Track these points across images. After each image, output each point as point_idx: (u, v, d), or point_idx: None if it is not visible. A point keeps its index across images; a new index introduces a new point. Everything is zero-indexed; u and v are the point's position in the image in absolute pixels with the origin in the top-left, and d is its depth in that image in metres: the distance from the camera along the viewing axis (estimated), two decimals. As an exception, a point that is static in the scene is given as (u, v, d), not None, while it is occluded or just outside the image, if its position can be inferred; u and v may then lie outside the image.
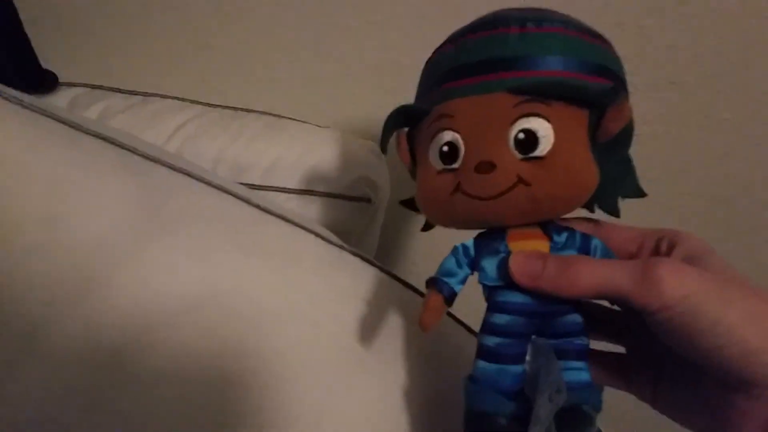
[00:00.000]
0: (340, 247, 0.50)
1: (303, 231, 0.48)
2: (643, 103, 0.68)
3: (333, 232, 0.52)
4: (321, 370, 0.40)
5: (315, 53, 0.76)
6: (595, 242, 0.35)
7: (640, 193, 0.38)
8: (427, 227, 0.42)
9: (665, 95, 0.68)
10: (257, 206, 0.47)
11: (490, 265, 0.35)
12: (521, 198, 0.33)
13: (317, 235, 0.49)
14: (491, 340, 0.35)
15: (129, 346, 0.37)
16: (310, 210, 0.61)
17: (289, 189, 0.62)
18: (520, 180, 0.33)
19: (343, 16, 0.73)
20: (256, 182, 0.62)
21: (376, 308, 0.46)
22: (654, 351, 0.36)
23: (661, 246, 0.36)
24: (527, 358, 0.34)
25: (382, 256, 0.82)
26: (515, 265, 0.33)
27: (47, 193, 0.37)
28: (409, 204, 0.41)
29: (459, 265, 0.36)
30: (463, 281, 0.36)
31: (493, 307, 0.35)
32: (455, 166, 0.34)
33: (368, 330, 0.44)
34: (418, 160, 0.38)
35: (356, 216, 0.64)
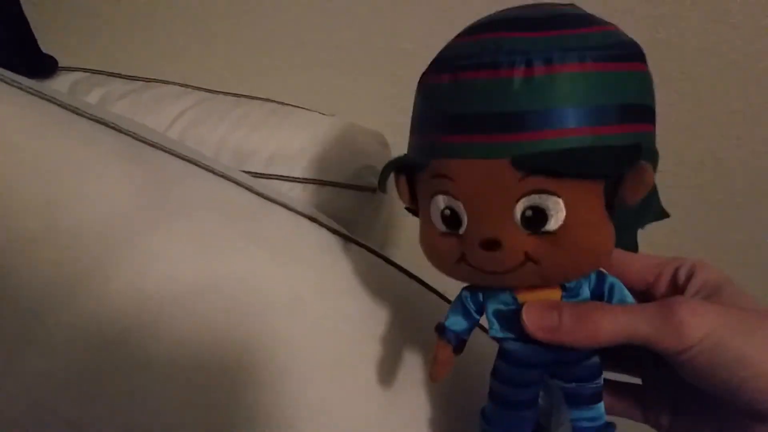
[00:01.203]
0: (345, 236, 0.49)
1: (306, 220, 0.48)
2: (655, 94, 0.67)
3: (337, 222, 0.52)
4: (323, 361, 0.40)
5: (320, 40, 0.76)
6: (610, 281, 0.33)
7: (662, 215, 0.35)
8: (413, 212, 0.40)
9: (676, 86, 0.67)
10: (260, 194, 0.47)
11: (499, 316, 0.34)
12: (530, 273, 0.31)
13: (321, 224, 0.48)
14: (501, 388, 0.34)
15: (129, 335, 0.36)
16: (314, 199, 0.61)
17: (292, 177, 0.61)
18: (528, 258, 0.30)
19: (348, 2, 0.72)
20: (259, 170, 0.61)
21: (381, 300, 0.45)
22: (670, 382, 0.36)
23: (679, 275, 0.35)
24: (541, 393, 0.34)
25: (388, 247, 0.82)
26: (529, 319, 0.32)
27: (46, 178, 0.37)
28: (415, 211, 0.39)
29: (467, 313, 0.35)
30: (472, 329, 0.35)
31: (503, 355, 0.34)
32: (459, 232, 0.32)
33: (372, 323, 0.44)
34: (420, 209, 0.35)
35: (361, 205, 0.63)
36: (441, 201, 0.32)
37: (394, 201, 0.73)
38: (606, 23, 0.32)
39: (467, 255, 0.32)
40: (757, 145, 0.70)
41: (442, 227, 0.33)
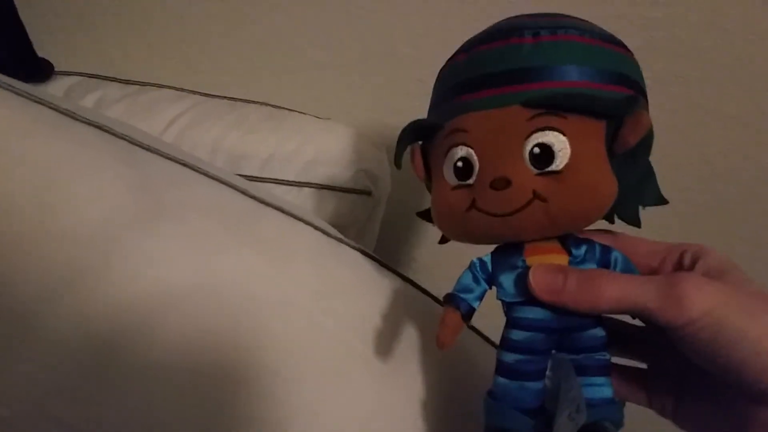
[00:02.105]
0: (339, 240, 0.49)
1: (301, 223, 0.48)
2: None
3: (332, 225, 0.52)
4: (318, 365, 0.40)
5: (315, 44, 0.76)
6: (615, 255, 0.35)
7: (662, 201, 0.37)
8: (443, 240, 0.41)
9: (670, 89, 0.68)
10: (255, 198, 0.47)
11: (508, 280, 0.35)
12: (538, 214, 0.32)
13: (316, 227, 0.48)
14: (510, 357, 0.34)
15: (123, 337, 0.36)
16: (309, 202, 0.61)
17: (287, 181, 0.61)
18: (536, 196, 0.32)
19: (344, 5, 0.72)
20: (255, 174, 0.61)
21: (374, 303, 0.45)
22: (675, 366, 0.36)
23: (684, 260, 0.36)
24: (548, 372, 0.34)
25: (382, 251, 0.82)
26: (535, 280, 0.33)
27: (39, 181, 0.37)
28: (426, 215, 0.40)
29: (476, 280, 0.35)
30: (481, 297, 0.36)
31: (512, 323, 0.35)
32: (470, 182, 0.34)
33: (365, 325, 0.44)
34: (432, 175, 0.37)
35: (356, 209, 0.63)
36: (454, 153, 0.34)
37: (388, 204, 0.73)
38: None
39: (477, 200, 0.33)
40: (750, 149, 0.70)
41: (453, 180, 0.35)
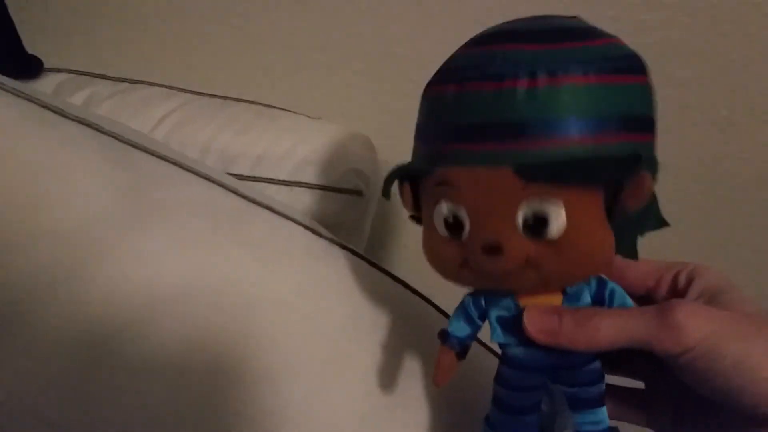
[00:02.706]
0: (330, 240, 0.49)
1: (292, 223, 0.47)
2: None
3: (323, 225, 0.52)
4: (309, 364, 0.40)
5: (307, 43, 0.75)
6: (611, 287, 0.34)
7: (662, 224, 0.34)
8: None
9: (662, 91, 0.67)
10: (245, 197, 0.47)
11: (501, 321, 0.34)
12: (530, 278, 0.31)
13: (306, 227, 0.48)
14: (504, 393, 0.34)
15: (112, 338, 0.36)
16: (300, 202, 0.61)
17: (278, 180, 0.61)
18: (529, 263, 0.31)
19: (337, 4, 0.72)
20: (245, 173, 0.61)
21: (366, 303, 0.45)
22: (673, 386, 0.36)
23: (680, 280, 0.36)
24: (544, 397, 0.34)
25: (373, 250, 0.82)
26: (530, 323, 0.32)
27: (28, 179, 0.37)
28: (419, 219, 0.38)
29: (469, 319, 0.35)
30: (475, 335, 0.36)
31: (506, 360, 0.35)
32: (462, 236, 0.32)
33: (357, 325, 0.44)
34: (423, 215, 0.36)
35: (347, 209, 0.63)
36: (444, 208, 0.32)
37: (380, 205, 0.73)
38: (609, 35, 0.32)
39: (469, 260, 0.32)
40: (745, 151, 0.70)
41: (444, 233, 0.33)
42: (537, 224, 0.30)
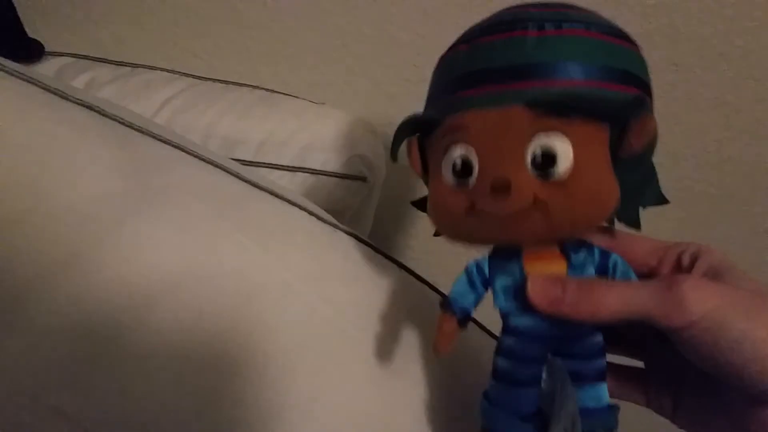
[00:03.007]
0: (334, 225, 0.49)
1: (295, 208, 0.47)
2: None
3: (327, 211, 0.51)
4: (313, 352, 0.40)
5: (311, 27, 0.75)
6: (614, 259, 0.34)
7: (662, 201, 0.36)
8: (438, 233, 0.39)
9: (667, 77, 0.67)
10: (248, 181, 0.46)
11: (505, 288, 0.34)
12: (537, 219, 0.31)
13: (310, 212, 0.48)
14: (505, 363, 0.34)
15: (114, 322, 0.36)
16: (304, 187, 0.61)
17: (282, 166, 0.61)
18: (537, 201, 0.31)
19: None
20: (248, 158, 0.61)
21: (369, 289, 0.45)
22: (673, 365, 0.36)
23: (683, 260, 0.35)
24: (544, 375, 0.33)
25: (377, 237, 0.82)
26: (534, 291, 0.32)
27: (30, 162, 0.36)
28: (421, 205, 0.39)
29: (472, 285, 0.35)
30: (477, 302, 0.35)
31: (508, 329, 0.34)
32: (469, 182, 0.33)
33: (360, 311, 0.43)
34: (430, 171, 0.36)
35: (351, 195, 0.63)
36: (453, 151, 0.33)
37: (383, 190, 0.73)
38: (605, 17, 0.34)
39: (477, 203, 0.32)
40: (748, 137, 0.70)
41: (452, 181, 0.33)
42: (545, 161, 0.31)
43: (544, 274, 0.33)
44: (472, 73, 0.33)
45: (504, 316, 0.35)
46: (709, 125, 0.70)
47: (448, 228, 0.35)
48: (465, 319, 0.35)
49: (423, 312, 0.45)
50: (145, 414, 0.36)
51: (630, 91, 0.32)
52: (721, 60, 0.66)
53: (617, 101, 0.31)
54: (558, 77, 0.31)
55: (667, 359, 0.36)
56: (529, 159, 0.31)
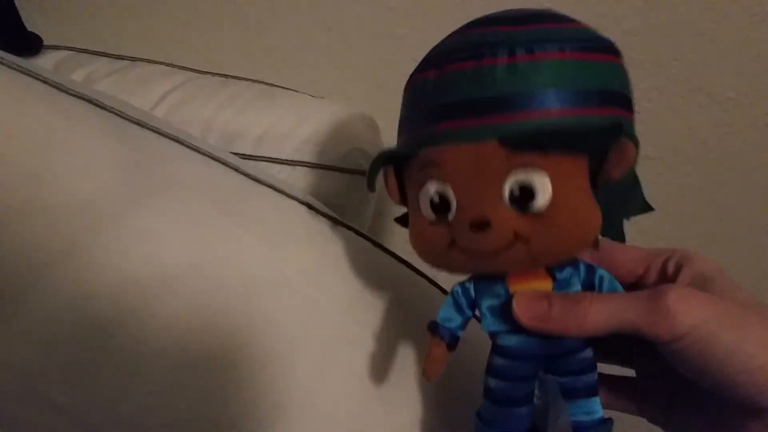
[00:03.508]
0: (333, 219, 0.49)
1: (295, 202, 0.47)
2: (646, 79, 0.67)
3: (326, 205, 0.51)
4: (312, 346, 0.40)
5: (310, 22, 0.75)
6: (600, 273, 0.34)
7: (647, 209, 0.35)
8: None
9: (668, 71, 0.67)
10: (247, 175, 0.46)
11: (491, 309, 0.34)
12: (519, 254, 0.31)
13: (309, 206, 0.48)
14: (496, 384, 0.34)
15: (115, 316, 0.36)
16: (303, 181, 0.60)
17: (281, 160, 0.61)
18: (518, 237, 0.31)
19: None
20: (247, 152, 0.61)
21: (369, 283, 0.45)
22: (664, 375, 0.36)
23: (669, 267, 0.35)
24: (536, 391, 0.33)
25: (377, 232, 0.82)
26: (520, 309, 0.32)
27: (28, 154, 0.36)
28: (404, 221, 0.39)
29: (459, 309, 0.35)
30: (465, 325, 0.35)
31: (496, 350, 0.34)
32: (448, 217, 0.32)
33: (360, 306, 0.43)
34: (409, 202, 0.36)
35: (350, 189, 0.63)
36: (430, 188, 0.32)
37: (383, 186, 0.73)
38: (580, 22, 0.33)
39: (457, 239, 0.32)
40: (749, 133, 0.70)
41: (431, 216, 0.33)
42: (523, 196, 0.30)
43: (529, 291, 0.33)
44: (442, 106, 0.32)
45: (492, 337, 0.35)
46: (709, 119, 0.70)
47: (430, 260, 0.35)
48: (453, 342, 0.35)
49: (422, 307, 0.45)
50: (142, 409, 0.36)
51: (609, 113, 0.31)
52: (721, 54, 0.66)
53: (594, 131, 0.30)
54: (532, 108, 0.30)
55: (657, 370, 0.36)
56: (506, 195, 0.30)
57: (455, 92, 0.32)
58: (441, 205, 0.32)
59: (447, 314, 0.35)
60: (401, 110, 0.37)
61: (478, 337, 0.47)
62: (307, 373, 0.39)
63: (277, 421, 0.37)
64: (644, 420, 0.38)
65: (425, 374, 0.34)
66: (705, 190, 0.74)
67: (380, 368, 0.41)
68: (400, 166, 0.36)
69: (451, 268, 0.35)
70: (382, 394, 0.41)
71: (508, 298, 0.33)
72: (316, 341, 0.40)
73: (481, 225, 0.30)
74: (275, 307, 0.40)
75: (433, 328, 0.35)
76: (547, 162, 0.30)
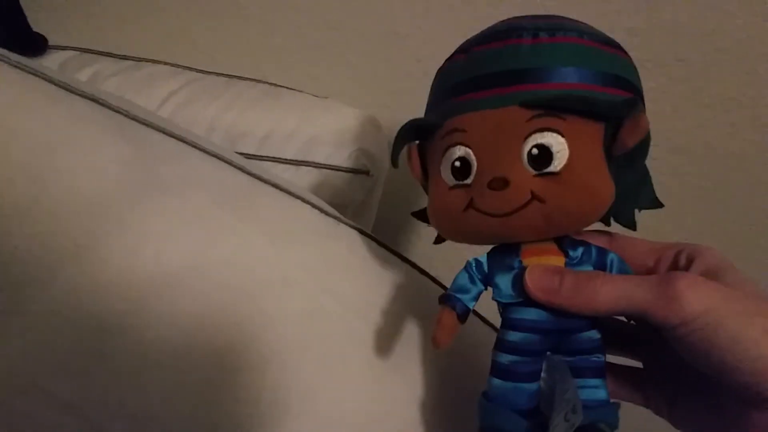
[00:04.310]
0: (337, 219, 0.49)
1: (299, 201, 0.47)
2: (649, 79, 0.67)
3: (330, 205, 0.51)
4: (316, 345, 0.40)
5: (313, 22, 0.75)
6: (611, 256, 0.34)
7: (657, 204, 0.37)
8: (438, 240, 0.40)
9: (672, 72, 0.67)
10: (252, 174, 0.46)
11: (504, 281, 0.35)
12: (535, 215, 0.32)
13: (313, 206, 0.48)
14: (505, 358, 0.34)
15: (119, 314, 0.36)
16: (307, 181, 0.61)
17: (285, 159, 0.61)
18: (534, 196, 0.32)
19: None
20: (252, 152, 0.61)
21: (373, 282, 0.45)
22: (670, 365, 0.36)
23: (680, 260, 0.36)
24: (543, 374, 0.34)
25: (381, 231, 0.82)
26: (531, 280, 0.33)
27: (34, 152, 0.36)
28: (421, 215, 0.40)
29: (472, 280, 0.35)
30: (477, 297, 0.36)
31: (507, 324, 0.35)
32: (467, 182, 0.34)
33: (363, 305, 0.43)
34: (429, 174, 0.37)
35: (354, 188, 0.63)
36: (453, 152, 0.34)
37: (387, 184, 0.73)
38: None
39: (475, 199, 0.33)
40: (751, 133, 0.70)
41: (451, 180, 0.34)
42: (541, 156, 0.32)
43: (542, 264, 0.34)
44: (469, 79, 0.34)
45: (503, 311, 0.35)
46: (710, 120, 0.70)
47: (447, 226, 0.36)
48: (464, 313, 0.35)
49: (426, 306, 0.45)
50: (146, 406, 0.36)
51: (623, 94, 0.33)
52: (724, 55, 0.66)
53: (610, 101, 0.32)
54: (552, 80, 0.32)
55: (663, 359, 0.37)
56: (525, 156, 0.32)
57: (481, 67, 0.34)
58: (462, 169, 0.34)
59: (459, 285, 0.35)
60: (428, 98, 0.39)
61: (478, 337, 0.48)
62: (310, 372, 0.39)
63: (280, 420, 0.37)
64: (648, 412, 0.38)
65: (435, 342, 0.35)
66: (708, 190, 0.74)
67: (383, 366, 0.42)
68: (422, 144, 0.38)
69: (467, 234, 0.35)
70: (384, 391, 0.41)
71: (521, 271, 0.34)
72: (319, 340, 0.40)
73: (500, 184, 0.32)
74: (279, 306, 0.40)
75: (445, 297, 0.35)
76: (565, 125, 0.31)
